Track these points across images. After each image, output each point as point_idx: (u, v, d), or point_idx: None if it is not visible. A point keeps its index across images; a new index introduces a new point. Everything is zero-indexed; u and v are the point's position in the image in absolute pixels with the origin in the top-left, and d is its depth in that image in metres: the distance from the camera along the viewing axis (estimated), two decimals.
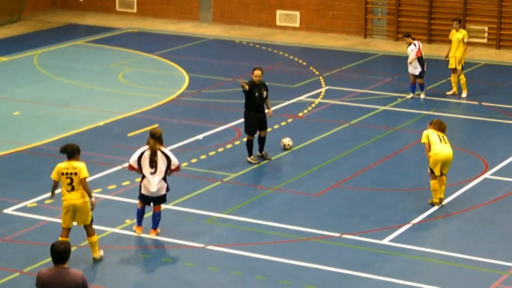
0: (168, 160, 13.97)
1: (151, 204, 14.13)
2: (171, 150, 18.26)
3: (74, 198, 13.14)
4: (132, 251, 13.90)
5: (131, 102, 21.82)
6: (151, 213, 14.24)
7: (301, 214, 15.33)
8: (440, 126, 15.54)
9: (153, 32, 29.50)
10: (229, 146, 18.69)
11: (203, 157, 18.00)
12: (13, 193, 16.18)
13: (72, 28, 30.12)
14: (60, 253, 9.43)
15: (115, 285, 12.98)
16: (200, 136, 19.30)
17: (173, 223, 14.93)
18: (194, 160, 17.77)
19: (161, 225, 14.75)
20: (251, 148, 17.66)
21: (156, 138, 13.98)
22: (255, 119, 17.52)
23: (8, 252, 13.91)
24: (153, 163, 13.88)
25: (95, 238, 13.36)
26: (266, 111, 17.74)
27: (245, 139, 18.99)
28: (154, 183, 13.90)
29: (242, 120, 20.32)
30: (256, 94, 17.30)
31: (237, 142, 18.87)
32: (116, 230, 14.45)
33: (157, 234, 14.18)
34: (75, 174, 13.11)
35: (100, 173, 16.97)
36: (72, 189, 13.14)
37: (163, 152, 13.98)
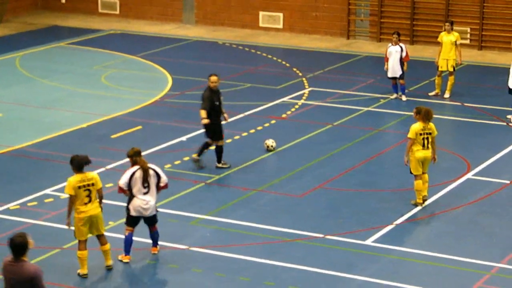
0: (158, 177, 13.41)
1: (138, 224, 13.56)
2: (155, 152, 18.29)
3: (92, 209, 12.89)
4: (115, 253, 13.85)
5: (115, 103, 21.78)
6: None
7: (285, 215, 15.36)
8: (427, 116, 15.53)
9: (136, 33, 29.47)
10: (212, 147, 18.68)
11: (186, 158, 18.00)
12: None
13: (55, 29, 30.03)
14: (17, 246, 9.51)
15: (98, 287, 12.96)
16: (183, 138, 19.29)
17: (157, 225, 14.91)
18: (177, 162, 17.76)
19: (146, 226, 14.74)
20: (221, 152, 17.42)
21: (140, 155, 13.41)
22: (217, 125, 17.24)
23: None
24: (146, 183, 13.30)
25: (108, 246, 13.20)
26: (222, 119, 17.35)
27: (229, 141, 19.01)
28: (149, 203, 13.37)
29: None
30: (216, 102, 17.03)
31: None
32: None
33: (158, 251, 13.81)
34: (93, 184, 12.86)
35: None
36: (89, 201, 12.87)
37: (153, 169, 13.40)
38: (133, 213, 13.39)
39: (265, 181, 16.87)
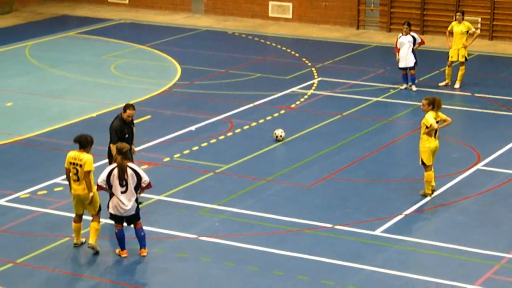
0: (138, 177, 13.12)
1: (124, 224, 13.36)
2: (164, 141, 18.32)
3: (79, 189, 13.27)
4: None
5: (124, 93, 21.79)
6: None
7: (294, 205, 15.35)
8: (439, 105, 15.49)
9: (145, 23, 29.46)
10: (221, 137, 18.70)
11: (195, 148, 18.01)
12: (5, 184, 16.16)
13: (64, 19, 30.05)
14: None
15: (107, 276, 12.99)
16: (192, 128, 19.29)
17: (165, 214, 14.94)
18: (186, 151, 17.76)
19: (154, 215, 14.77)
20: None
21: (123, 154, 13.08)
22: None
23: (0, 243, 13.90)
24: (123, 181, 13.05)
25: (97, 226, 13.37)
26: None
27: (238, 131, 19.02)
28: (125, 203, 13.10)
29: (235, 111, 20.38)
30: (127, 135, 14.92)
31: (229, 134, 18.87)
32: (109, 220, 14.41)
33: (147, 253, 13.48)
34: (81, 166, 13.17)
35: None
36: (77, 179, 13.24)
37: (132, 169, 13.14)
38: (111, 210, 13.26)
39: (274, 171, 16.86)
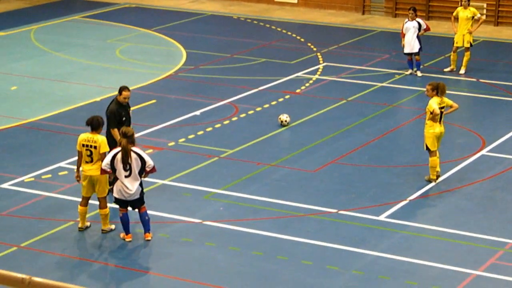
0: (142, 161, 13.03)
1: (128, 208, 13.36)
2: (168, 126, 18.31)
3: (92, 169, 13.37)
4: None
5: (129, 77, 21.77)
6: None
7: (298, 190, 15.35)
8: (443, 91, 15.47)
9: (151, 7, 29.40)
10: (226, 122, 18.68)
11: (200, 133, 18.00)
12: (10, 168, 16.18)
13: (69, 3, 29.99)
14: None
15: (111, 260, 13.02)
16: (197, 112, 19.28)
17: (170, 199, 14.95)
18: (191, 136, 17.76)
19: (159, 200, 14.79)
20: None
21: (128, 138, 13.01)
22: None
23: (5, 227, 13.93)
24: (126, 165, 12.99)
25: (106, 211, 13.57)
26: None
27: (243, 115, 19.00)
28: (129, 187, 13.03)
29: (240, 96, 20.35)
30: (124, 118, 14.67)
31: (234, 118, 18.86)
32: (114, 205, 14.44)
33: (152, 237, 13.49)
34: (95, 147, 13.33)
35: None
36: (91, 161, 13.38)
37: (136, 153, 13.04)
38: (115, 194, 13.25)
39: (278, 156, 16.85)
